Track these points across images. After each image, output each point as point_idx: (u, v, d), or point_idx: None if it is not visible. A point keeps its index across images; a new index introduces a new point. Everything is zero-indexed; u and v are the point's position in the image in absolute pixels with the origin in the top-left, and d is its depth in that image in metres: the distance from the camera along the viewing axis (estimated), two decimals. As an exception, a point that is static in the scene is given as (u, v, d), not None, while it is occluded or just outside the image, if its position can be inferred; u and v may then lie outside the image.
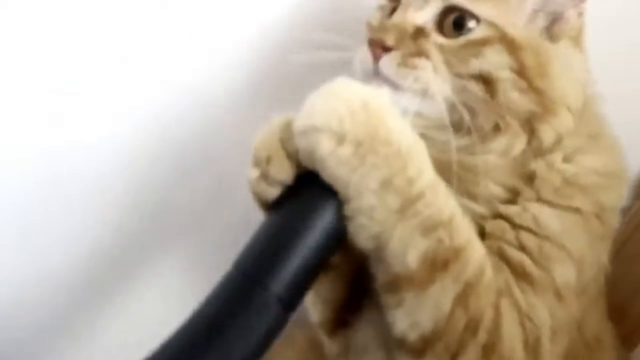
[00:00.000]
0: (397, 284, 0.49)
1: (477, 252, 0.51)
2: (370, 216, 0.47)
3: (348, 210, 0.48)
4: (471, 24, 0.56)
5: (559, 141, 0.57)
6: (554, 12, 0.58)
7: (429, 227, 0.48)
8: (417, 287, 0.49)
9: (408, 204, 0.48)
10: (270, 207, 0.52)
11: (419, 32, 0.57)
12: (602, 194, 0.58)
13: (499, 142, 0.57)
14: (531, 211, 0.56)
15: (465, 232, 0.51)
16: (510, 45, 0.55)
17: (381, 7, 0.65)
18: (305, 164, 0.49)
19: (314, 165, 0.48)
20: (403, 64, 0.56)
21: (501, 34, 0.55)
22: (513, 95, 0.55)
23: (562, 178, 0.57)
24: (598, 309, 0.65)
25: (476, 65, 0.55)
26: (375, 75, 0.57)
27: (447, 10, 0.57)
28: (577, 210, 0.56)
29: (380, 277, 0.51)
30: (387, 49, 0.56)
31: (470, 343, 0.50)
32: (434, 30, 0.57)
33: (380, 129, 0.47)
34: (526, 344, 0.52)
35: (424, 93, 0.56)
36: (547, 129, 0.56)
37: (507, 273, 0.54)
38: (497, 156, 0.57)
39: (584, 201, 0.57)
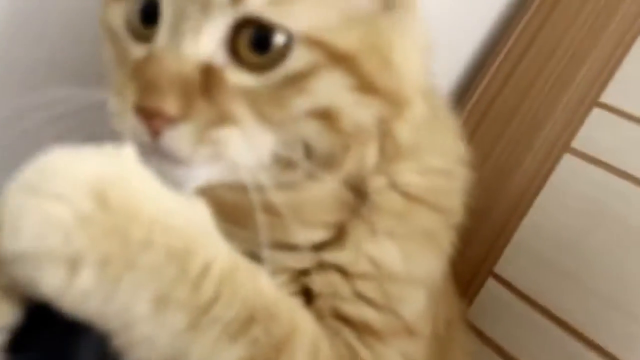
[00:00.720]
0: None
1: (306, 333, 0.40)
2: (152, 346, 0.33)
3: (118, 343, 0.33)
4: (279, 38, 0.38)
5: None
6: None
7: (237, 330, 0.36)
8: None
9: (200, 315, 0.34)
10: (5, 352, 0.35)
11: (208, 74, 0.38)
12: (451, 199, 0.49)
13: (347, 164, 0.43)
14: (366, 252, 0.45)
15: (286, 313, 0.39)
16: (344, 61, 0.39)
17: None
18: (35, 295, 0.32)
19: (48, 300, 0.31)
20: (199, 140, 0.38)
21: (329, 52, 0.38)
22: (360, 116, 0.41)
23: (406, 197, 0.46)
24: (445, 292, 0.59)
25: (302, 105, 0.39)
26: (155, 152, 0.38)
27: (240, 26, 0.38)
28: (424, 232, 0.47)
29: None
30: (170, 120, 0.37)
31: None
32: (227, 60, 0.38)
33: (134, 228, 0.32)
34: None
35: (231, 164, 0.40)
36: (403, 126, 0.43)
37: (347, 334, 0.44)
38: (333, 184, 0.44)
39: (432, 217, 0.47)
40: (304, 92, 0.38)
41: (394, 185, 0.46)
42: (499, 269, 0.74)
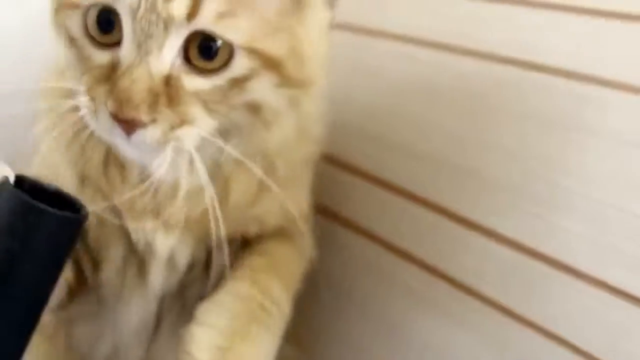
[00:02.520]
0: None
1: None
2: None
3: None
4: (221, 46, 0.45)
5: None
6: None
7: None
8: None
9: None
10: None
11: (169, 83, 0.45)
12: (316, 139, 0.63)
13: (275, 136, 0.53)
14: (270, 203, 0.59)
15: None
16: (275, 65, 0.47)
17: (73, 7, 0.47)
18: None
19: None
20: (164, 139, 0.46)
21: (264, 59, 0.46)
22: (280, 104, 0.50)
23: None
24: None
25: (239, 101, 0.48)
26: (126, 143, 0.47)
27: (191, 38, 0.45)
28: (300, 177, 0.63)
29: None
30: (142, 125, 0.45)
31: None
32: (183, 68, 0.46)
33: None
34: None
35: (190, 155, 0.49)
36: (309, 101, 0.54)
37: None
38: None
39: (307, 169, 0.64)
40: (242, 91, 0.47)
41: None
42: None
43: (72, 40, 0.48)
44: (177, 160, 0.48)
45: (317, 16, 0.52)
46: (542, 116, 0.61)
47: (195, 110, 0.46)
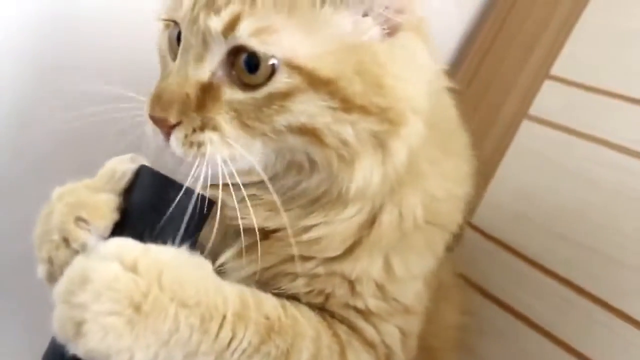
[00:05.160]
0: None
1: (306, 334, 0.50)
2: None
3: None
4: (265, 62, 0.45)
5: (413, 161, 0.51)
6: (384, 9, 0.46)
7: (252, 352, 0.47)
8: None
9: (222, 353, 0.45)
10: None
11: (207, 91, 0.47)
12: (451, 216, 0.57)
13: (357, 176, 0.49)
14: (369, 266, 0.53)
15: (289, 324, 0.49)
16: (323, 85, 0.45)
17: (167, 27, 0.53)
18: None
19: None
20: (187, 143, 0.47)
21: (307, 76, 0.45)
22: (345, 133, 0.46)
23: (410, 225, 0.53)
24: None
25: (283, 121, 0.46)
26: (172, 152, 0.48)
27: (235, 52, 0.46)
28: (423, 245, 0.55)
29: None
30: (171, 126, 0.47)
31: None
32: (225, 78, 0.47)
33: (162, 324, 0.42)
34: None
35: (214, 167, 0.48)
36: (400, 145, 0.49)
37: (354, 317, 0.54)
38: (357, 191, 0.49)
39: (431, 233, 0.56)
40: (283, 109, 0.45)
41: (400, 216, 0.53)
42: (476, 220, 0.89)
43: (162, 58, 0.53)
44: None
45: (415, 56, 0.49)
46: None
47: (223, 120, 0.46)
